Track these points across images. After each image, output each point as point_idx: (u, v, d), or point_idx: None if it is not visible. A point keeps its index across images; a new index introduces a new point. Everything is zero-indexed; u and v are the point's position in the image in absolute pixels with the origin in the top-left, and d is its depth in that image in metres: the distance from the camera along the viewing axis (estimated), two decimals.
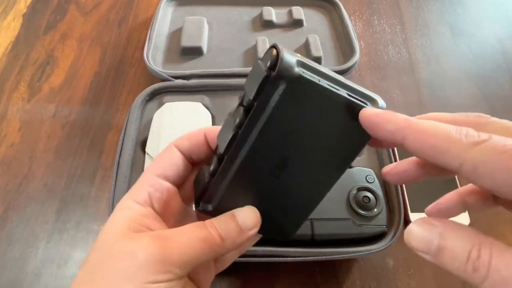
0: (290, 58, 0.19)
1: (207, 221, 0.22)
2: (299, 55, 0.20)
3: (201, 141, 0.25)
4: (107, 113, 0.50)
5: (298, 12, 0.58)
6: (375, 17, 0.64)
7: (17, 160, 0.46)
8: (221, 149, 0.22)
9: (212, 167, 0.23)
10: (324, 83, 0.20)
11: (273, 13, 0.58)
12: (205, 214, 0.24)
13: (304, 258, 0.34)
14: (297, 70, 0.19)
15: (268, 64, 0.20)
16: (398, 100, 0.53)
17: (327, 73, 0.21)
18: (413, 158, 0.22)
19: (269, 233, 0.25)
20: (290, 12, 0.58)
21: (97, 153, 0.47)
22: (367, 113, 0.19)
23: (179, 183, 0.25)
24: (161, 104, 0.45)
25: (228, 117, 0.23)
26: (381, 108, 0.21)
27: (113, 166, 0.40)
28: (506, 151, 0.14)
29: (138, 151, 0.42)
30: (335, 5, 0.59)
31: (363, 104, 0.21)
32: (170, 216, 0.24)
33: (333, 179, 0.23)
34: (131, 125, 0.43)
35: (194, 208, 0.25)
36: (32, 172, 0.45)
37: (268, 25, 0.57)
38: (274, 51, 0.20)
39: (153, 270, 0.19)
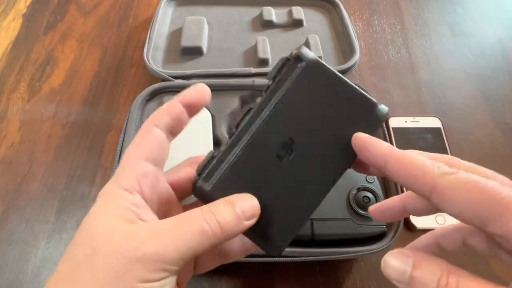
0: (309, 51, 0.23)
1: (204, 208, 0.20)
2: None
3: (181, 112, 0.24)
4: (107, 113, 0.50)
5: (298, 12, 0.58)
6: (375, 17, 0.64)
7: (17, 160, 0.46)
8: (233, 125, 0.23)
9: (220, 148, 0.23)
10: (339, 73, 0.23)
11: (273, 13, 0.58)
12: (199, 196, 0.22)
13: (304, 258, 0.34)
14: (314, 55, 0.22)
15: (289, 54, 0.23)
16: (398, 100, 0.53)
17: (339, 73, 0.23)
18: (396, 197, 0.24)
19: (259, 239, 0.23)
20: (290, 12, 0.58)
21: (97, 153, 0.47)
22: (359, 135, 0.22)
23: (163, 164, 0.23)
24: (161, 104, 0.45)
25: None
26: (384, 109, 0.23)
27: (113, 166, 0.40)
28: (469, 182, 0.18)
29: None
30: (335, 5, 0.59)
31: (372, 98, 0.22)
32: (157, 201, 0.22)
33: (335, 174, 0.23)
34: (131, 125, 0.43)
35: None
36: (32, 172, 0.45)
37: (268, 25, 0.57)
38: (295, 50, 0.22)
39: (146, 269, 0.18)
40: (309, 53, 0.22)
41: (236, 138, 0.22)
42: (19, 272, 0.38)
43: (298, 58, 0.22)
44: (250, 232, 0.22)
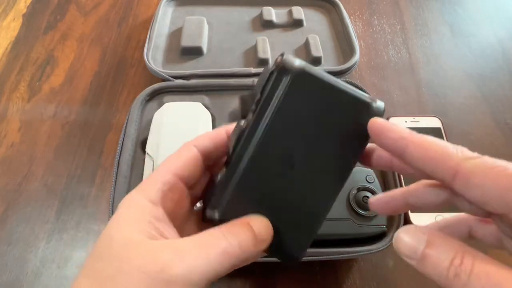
0: (292, 57, 0.21)
1: (224, 229, 0.20)
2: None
3: (223, 141, 0.23)
4: (107, 113, 0.50)
5: (298, 12, 0.58)
6: (375, 17, 0.64)
7: (17, 160, 0.46)
8: (230, 149, 0.22)
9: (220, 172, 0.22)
10: (327, 78, 0.21)
11: (273, 13, 0.58)
12: (212, 223, 0.22)
13: (304, 258, 0.34)
14: (299, 63, 0.21)
15: (273, 64, 0.21)
16: (398, 100, 0.53)
17: (328, 75, 0.21)
18: (398, 190, 0.23)
19: (276, 254, 0.23)
20: (290, 12, 0.58)
21: (97, 153, 0.47)
22: (377, 120, 0.21)
23: (191, 185, 0.23)
24: (161, 104, 0.45)
25: (238, 120, 0.23)
26: (379, 107, 0.22)
27: (113, 166, 0.40)
28: (495, 166, 0.17)
29: (138, 151, 0.42)
30: (335, 5, 0.59)
31: (366, 99, 0.21)
32: (177, 217, 0.22)
33: (340, 179, 0.22)
34: (131, 125, 0.43)
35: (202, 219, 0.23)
36: (32, 172, 0.45)
37: (268, 25, 0.57)
38: (279, 57, 0.21)
39: None
40: (293, 62, 0.21)
41: (235, 161, 0.22)
42: (19, 272, 0.38)
43: (283, 69, 0.21)
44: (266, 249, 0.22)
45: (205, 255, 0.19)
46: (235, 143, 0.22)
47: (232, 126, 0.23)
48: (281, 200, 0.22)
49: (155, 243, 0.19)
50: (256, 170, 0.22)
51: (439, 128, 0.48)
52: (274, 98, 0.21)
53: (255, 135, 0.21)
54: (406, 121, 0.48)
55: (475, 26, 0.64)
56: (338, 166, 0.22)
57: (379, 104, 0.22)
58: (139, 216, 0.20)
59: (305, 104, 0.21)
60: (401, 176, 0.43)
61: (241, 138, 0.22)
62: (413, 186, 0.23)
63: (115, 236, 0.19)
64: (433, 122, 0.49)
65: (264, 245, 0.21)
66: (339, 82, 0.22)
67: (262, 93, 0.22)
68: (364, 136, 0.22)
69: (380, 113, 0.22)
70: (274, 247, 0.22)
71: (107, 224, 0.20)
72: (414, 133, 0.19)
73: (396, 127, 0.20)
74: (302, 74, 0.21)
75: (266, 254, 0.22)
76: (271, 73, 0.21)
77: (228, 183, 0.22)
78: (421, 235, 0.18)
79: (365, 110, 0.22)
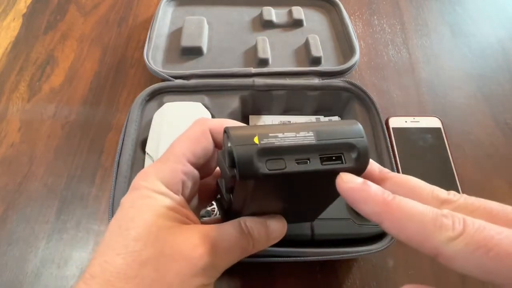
0: (246, 153, 0.17)
1: (245, 225, 0.22)
2: (256, 135, 0.18)
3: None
4: (107, 113, 0.50)
5: (298, 12, 0.58)
6: (375, 17, 0.64)
7: (17, 160, 0.46)
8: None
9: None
10: (291, 164, 0.18)
11: (273, 13, 0.58)
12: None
13: (304, 258, 0.34)
14: (258, 166, 0.18)
15: (227, 162, 0.19)
16: (398, 100, 0.53)
17: (290, 143, 0.18)
18: None
19: None
20: (290, 12, 0.58)
21: (97, 153, 0.47)
22: (344, 186, 0.18)
23: (202, 169, 0.24)
24: (161, 104, 0.45)
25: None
26: (360, 137, 0.19)
27: (113, 166, 0.40)
28: (477, 249, 0.15)
29: (138, 151, 0.42)
30: (335, 5, 0.59)
31: (337, 166, 0.19)
32: (193, 201, 0.24)
33: (318, 213, 0.25)
34: (131, 125, 0.43)
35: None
36: (32, 172, 0.45)
37: (268, 25, 0.57)
38: (228, 144, 0.18)
39: (207, 276, 0.19)
40: (250, 165, 0.17)
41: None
42: (19, 272, 0.38)
43: (243, 180, 0.18)
44: None
45: (228, 247, 0.21)
46: (227, 205, 0.23)
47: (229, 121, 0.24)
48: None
49: (187, 228, 0.20)
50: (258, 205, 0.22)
51: (439, 128, 0.48)
52: (244, 196, 0.20)
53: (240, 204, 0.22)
54: (406, 121, 0.48)
55: (475, 26, 0.64)
56: (316, 209, 0.25)
57: (359, 140, 0.19)
58: (167, 204, 0.20)
59: (277, 189, 0.20)
60: None
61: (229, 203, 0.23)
62: None
63: (149, 220, 0.19)
64: (433, 122, 0.49)
65: (275, 242, 0.23)
66: (307, 144, 0.18)
67: (230, 191, 0.22)
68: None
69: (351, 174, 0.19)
70: None
71: (132, 205, 0.20)
72: (389, 202, 0.17)
73: (368, 197, 0.18)
74: (265, 178, 0.18)
75: None
76: (233, 179, 0.19)
77: (235, 208, 0.23)
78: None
79: (335, 174, 0.19)
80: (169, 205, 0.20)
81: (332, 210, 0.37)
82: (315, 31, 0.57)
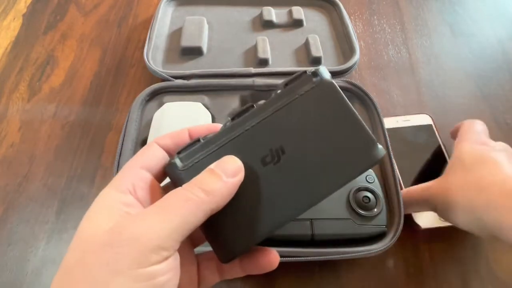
0: (327, 71, 0.23)
1: (184, 184, 0.21)
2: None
3: (185, 139, 0.24)
4: (107, 113, 0.50)
5: (298, 12, 0.58)
6: (375, 17, 0.64)
7: (17, 160, 0.46)
8: (230, 115, 0.23)
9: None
10: (347, 101, 0.22)
11: (273, 13, 0.58)
12: (170, 172, 0.23)
13: (304, 258, 0.34)
14: (331, 78, 0.23)
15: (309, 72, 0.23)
16: (398, 100, 0.53)
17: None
18: None
19: (215, 242, 0.22)
20: (290, 12, 0.58)
21: (97, 153, 0.47)
22: None
23: (159, 178, 0.24)
24: (161, 104, 0.45)
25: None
26: (381, 151, 0.22)
27: (113, 166, 0.40)
28: None
29: (138, 151, 0.42)
30: (335, 5, 0.59)
31: (373, 137, 0.22)
32: (152, 202, 0.22)
33: (313, 198, 0.22)
34: (131, 125, 0.43)
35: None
36: (32, 172, 0.45)
37: (268, 25, 0.57)
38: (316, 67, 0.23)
39: (138, 252, 0.17)
40: (327, 74, 0.23)
41: (227, 130, 0.22)
42: (19, 272, 0.38)
43: (314, 73, 0.22)
44: (209, 233, 0.22)
45: (166, 210, 0.19)
46: (236, 114, 0.23)
47: (196, 127, 0.24)
48: (247, 190, 0.22)
49: (118, 219, 0.19)
50: (241, 147, 0.22)
51: (430, 125, 0.48)
52: (294, 93, 0.22)
53: (259, 115, 0.22)
54: (397, 121, 0.48)
55: (475, 26, 0.64)
56: (320, 182, 0.22)
57: (382, 149, 0.22)
58: (108, 205, 0.20)
59: (319, 112, 0.22)
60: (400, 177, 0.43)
61: (244, 112, 0.22)
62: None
63: (84, 228, 0.20)
64: (424, 119, 0.49)
65: (234, 181, 0.21)
66: (356, 112, 0.22)
67: (286, 85, 0.23)
68: (357, 168, 0.22)
69: (380, 155, 0.22)
70: (217, 234, 0.22)
71: (93, 203, 0.21)
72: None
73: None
74: (329, 85, 0.22)
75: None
76: (303, 73, 0.23)
77: (209, 145, 0.22)
78: None
79: (370, 146, 0.22)
80: (107, 206, 0.20)
81: (332, 210, 0.37)
82: (315, 31, 0.57)
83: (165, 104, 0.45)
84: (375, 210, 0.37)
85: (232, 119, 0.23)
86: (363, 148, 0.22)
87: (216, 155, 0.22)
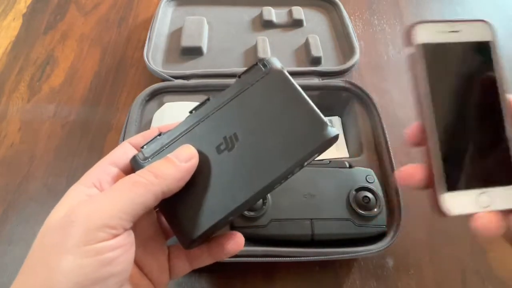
0: (278, 61, 0.25)
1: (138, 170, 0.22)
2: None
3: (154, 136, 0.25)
4: (107, 113, 0.50)
5: (298, 12, 0.58)
6: (375, 17, 0.64)
7: (17, 160, 0.46)
8: (190, 110, 0.24)
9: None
10: (298, 86, 0.24)
11: (273, 13, 0.58)
12: (134, 164, 0.24)
13: (304, 258, 0.35)
14: (280, 66, 0.24)
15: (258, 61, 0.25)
16: (398, 100, 0.53)
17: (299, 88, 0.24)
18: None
19: (176, 227, 0.23)
20: (290, 12, 0.58)
21: (97, 153, 0.47)
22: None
23: (130, 173, 0.24)
24: (161, 104, 0.45)
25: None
26: (332, 131, 0.23)
27: None
28: None
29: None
30: (335, 5, 0.59)
31: (324, 119, 0.23)
32: None
33: (267, 181, 0.22)
34: (131, 125, 0.43)
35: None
36: (32, 172, 0.45)
37: (268, 25, 0.57)
38: (266, 57, 0.25)
39: (83, 230, 0.19)
40: (276, 63, 0.24)
41: (184, 123, 0.24)
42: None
43: (264, 64, 0.24)
44: (171, 220, 0.23)
45: (114, 192, 0.20)
46: (195, 107, 0.24)
47: (166, 126, 0.26)
48: (204, 177, 0.23)
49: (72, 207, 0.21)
50: (197, 137, 0.24)
51: (487, 43, 0.28)
52: (246, 83, 0.24)
53: (214, 106, 0.24)
54: (441, 32, 0.26)
55: None
56: (272, 164, 0.23)
57: (333, 130, 0.23)
58: (71, 198, 0.21)
59: (270, 99, 0.23)
60: None
61: (202, 105, 0.24)
62: None
63: (48, 219, 0.22)
64: (480, 31, 0.28)
65: (188, 166, 0.22)
66: (306, 96, 0.23)
67: (239, 77, 0.24)
68: (307, 149, 0.22)
69: (331, 137, 0.22)
70: (178, 219, 0.23)
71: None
72: None
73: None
74: (278, 73, 0.24)
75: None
76: (254, 64, 0.24)
77: (168, 138, 0.24)
78: None
79: (321, 128, 0.23)
80: (70, 199, 0.22)
81: (332, 210, 0.37)
82: (315, 31, 0.57)
83: (165, 104, 0.45)
84: (375, 210, 0.37)
85: (190, 112, 0.25)
86: (313, 129, 0.23)
87: (174, 147, 0.23)
